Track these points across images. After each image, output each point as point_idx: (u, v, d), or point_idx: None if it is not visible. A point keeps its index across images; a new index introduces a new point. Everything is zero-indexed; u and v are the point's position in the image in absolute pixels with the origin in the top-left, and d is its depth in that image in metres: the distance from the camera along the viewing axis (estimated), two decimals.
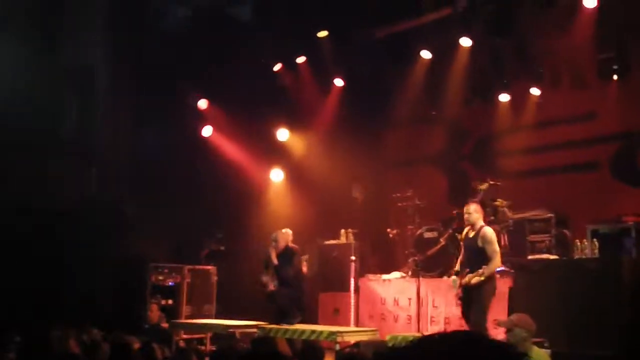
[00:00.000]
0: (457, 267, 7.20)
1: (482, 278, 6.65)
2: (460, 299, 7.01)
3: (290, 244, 8.69)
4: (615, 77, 8.96)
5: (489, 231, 6.98)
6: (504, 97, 10.02)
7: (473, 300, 6.91)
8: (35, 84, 9.36)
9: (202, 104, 11.13)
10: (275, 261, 8.42)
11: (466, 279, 6.79)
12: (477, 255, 6.85)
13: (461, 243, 7.35)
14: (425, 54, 10.25)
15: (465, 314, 6.95)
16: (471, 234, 7.00)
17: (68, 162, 9.83)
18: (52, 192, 9.41)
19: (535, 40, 9.43)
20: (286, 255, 8.54)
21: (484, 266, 6.75)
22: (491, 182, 9.02)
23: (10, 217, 8.84)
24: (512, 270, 7.83)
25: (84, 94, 10.23)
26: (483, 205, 8.96)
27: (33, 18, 9.56)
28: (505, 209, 8.68)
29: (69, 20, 10.03)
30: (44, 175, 9.39)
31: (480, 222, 7.06)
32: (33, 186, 9.24)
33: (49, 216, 9.14)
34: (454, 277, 7.14)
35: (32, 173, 9.29)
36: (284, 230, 8.74)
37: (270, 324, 8.07)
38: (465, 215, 7.06)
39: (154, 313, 9.30)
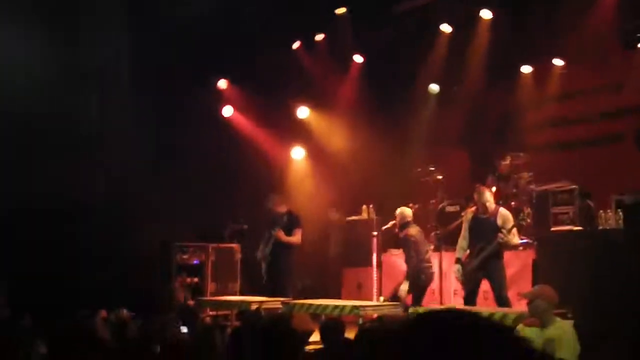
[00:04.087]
0: (459, 254, 7.31)
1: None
2: (470, 281, 7.10)
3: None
4: (639, 45, 8.80)
5: (506, 211, 7.35)
6: (526, 69, 9.89)
7: (491, 278, 7.02)
8: (54, 80, 9.47)
9: (222, 84, 11.16)
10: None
11: (505, 240, 6.97)
12: (495, 233, 7.07)
13: (464, 225, 7.42)
14: (445, 28, 10.15)
15: (473, 295, 7.14)
16: (484, 215, 7.26)
17: (90, 152, 9.96)
18: (77, 183, 9.57)
19: (559, 12, 9.26)
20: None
21: (509, 237, 6.92)
22: (513, 157, 8.97)
23: (40, 209, 9.02)
24: (536, 243, 7.80)
25: (108, 82, 10.33)
26: (506, 179, 8.95)
27: (52, 15, 9.66)
28: (528, 182, 8.63)
29: (88, 17, 10.10)
30: (67, 167, 9.54)
31: (493, 204, 7.34)
32: (58, 179, 9.40)
33: (75, 206, 9.30)
34: (457, 266, 7.26)
35: (56, 166, 9.45)
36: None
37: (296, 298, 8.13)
38: (486, 204, 7.24)
39: (179, 291, 9.43)
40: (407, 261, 8.09)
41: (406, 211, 8.27)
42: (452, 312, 1.03)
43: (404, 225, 8.17)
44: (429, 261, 8.11)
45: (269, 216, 8.79)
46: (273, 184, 10.77)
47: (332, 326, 4.60)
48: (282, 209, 8.72)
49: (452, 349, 0.93)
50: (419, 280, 8.00)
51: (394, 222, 8.33)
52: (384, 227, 8.59)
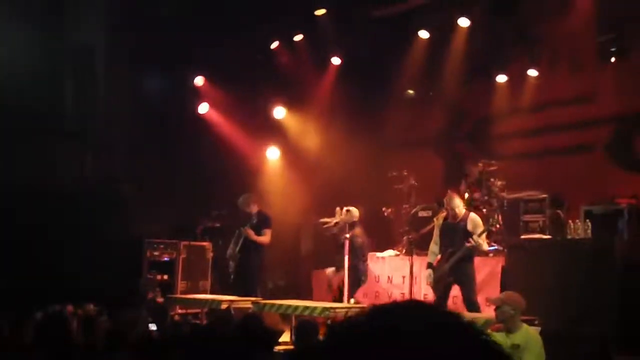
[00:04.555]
0: (430, 258, 7.36)
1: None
2: (440, 285, 7.17)
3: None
4: (613, 59, 8.96)
5: (476, 216, 7.36)
6: (502, 78, 10.02)
7: (461, 282, 7.08)
8: (34, 65, 9.33)
9: (199, 81, 11.09)
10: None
11: (475, 245, 6.97)
12: (465, 238, 7.09)
13: (435, 230, 7.50)
14: (423, 34, 10.23)
15: (443, 300, 7.15)
16: (453, 220, 7.27)
17: (66, 143, 9.84)
18: (49, 173, 9.43)
19: (534, 22, 9.40)
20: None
21: (479, 241, 6.94)
22: (485, 164, 9.08)
23: (8, 198, 8.86)
24: (505, 250, 7.89)
25: (83, 75, 10.21)
26: (478, 185, 9.05)
27: (31, 4, 9.53)
28: (500, 189, 8.74)
29: (70, 2, 9.98)
30: (41, 156, 9.39)
31: (463, 209, 7.34)
32: (31, 167, 9.26)
33: (47, 197, 9.16)
34: (429, 270, 7.32)
35: (30, 154, 9.30)
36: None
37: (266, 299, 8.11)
38: (455, 209, 7.22)
39: (149, 288, 9.34)
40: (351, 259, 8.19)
41: (355, 212, 8.39)
42: (409, 306, 1.01)
43: (352, 225, 8.27)
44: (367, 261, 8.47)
45: (242, 215, 8.78)
46: (247, 183, 10.75)
47: (306, 327, 4.58)
48: (254, 208, 8.73)
49: (408, 346, 0.91)
50: (359, 281, 8.14)
51: (335, 220, 8.38)
52: (322, 220, 8.62)
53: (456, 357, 0.90)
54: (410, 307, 1.00)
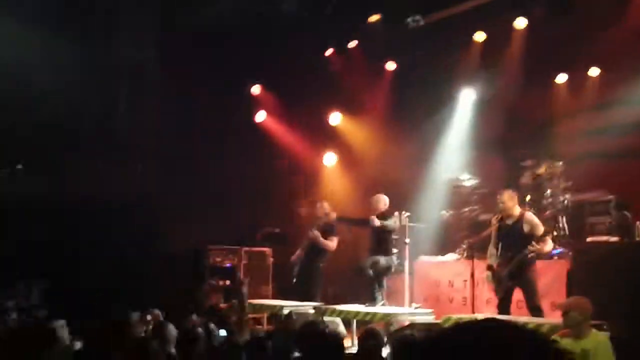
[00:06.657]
0: (490, 260, 7.26)
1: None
2: (501, 289, 7.05)
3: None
4: None
5: (532, 215, 7.22)
6: (562, 78, 9.83)
7: (522, 286, 6.96)
8: (86, 81, 9.63)
9: (256, 89, 11.27)
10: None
11: (537, 249, 6.83)
12: (522, 240, 6.98)
13: (492, 232, 7.37)
14: (479, 36, 10.13)
15: (506, 303, 7.01)
16: (509, 221, 7.15)
17: (122, 157, 10.11)
18: (108, 185, 9.70)
19: (594, 20, 9.18)
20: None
21: (540, 243, 6.81)
22: (548, 165, 8.90)
23: (71, 211, 9.15)
24: (571, 253, 7.72)
25: (135, 89, 10.48)
26: (541, 187, 8.88)
27: (86, 16, 9.83)
28: (563, 191, 8.55)
29: (122, 18, 10.27)
30: (99, 170, 9.67)
31: (517, 208, 7.21)
32: (92, 180, 9.55)
33: (108, 210, 9.43)
34: (488, 272, 7.22)
35: (86, 168, 9.59)
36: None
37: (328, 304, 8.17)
38: (500, 205, 7.12)
39: (211, 294, 9.53)
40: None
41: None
42: (493, 322, 1.03)
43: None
44: None
45: (312, 223, 9.00)
46: (305, 189, 10.85)
47: (370, 335, 4.61)
48: (331, 216, 8.94)
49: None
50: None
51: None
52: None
53: None
54: (489, 325, 1.03)
